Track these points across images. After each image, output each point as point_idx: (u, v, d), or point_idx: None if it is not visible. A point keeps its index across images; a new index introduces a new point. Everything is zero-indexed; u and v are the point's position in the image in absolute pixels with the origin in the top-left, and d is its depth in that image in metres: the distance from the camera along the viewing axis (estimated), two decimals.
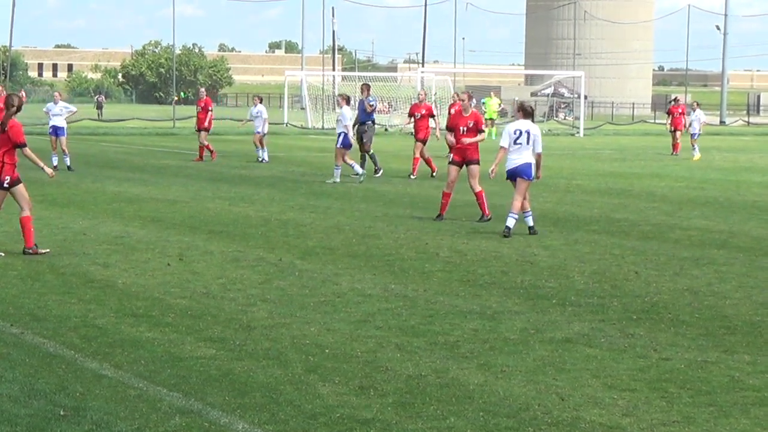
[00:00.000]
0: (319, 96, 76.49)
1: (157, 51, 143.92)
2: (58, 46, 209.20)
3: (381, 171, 28.21)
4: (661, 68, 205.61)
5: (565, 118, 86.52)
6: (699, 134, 39.70)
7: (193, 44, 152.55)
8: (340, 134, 25.89)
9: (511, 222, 16.57)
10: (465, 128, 18.77)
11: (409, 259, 14.29)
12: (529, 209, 17.07)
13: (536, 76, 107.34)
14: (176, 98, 33.12)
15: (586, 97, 74.31)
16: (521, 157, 16.75)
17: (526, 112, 17.07)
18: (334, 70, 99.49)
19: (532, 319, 10.64)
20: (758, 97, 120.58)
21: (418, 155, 28.05)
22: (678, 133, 41.61)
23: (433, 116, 28.92)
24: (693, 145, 38.99)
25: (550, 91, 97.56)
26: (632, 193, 24.75)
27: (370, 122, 28.35)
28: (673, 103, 43.80)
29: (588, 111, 71.81)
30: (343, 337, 9.75)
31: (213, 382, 8.22)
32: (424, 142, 28.08)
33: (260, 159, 33.92)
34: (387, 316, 10.63)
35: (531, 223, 17.03)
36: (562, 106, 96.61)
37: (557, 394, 8.01)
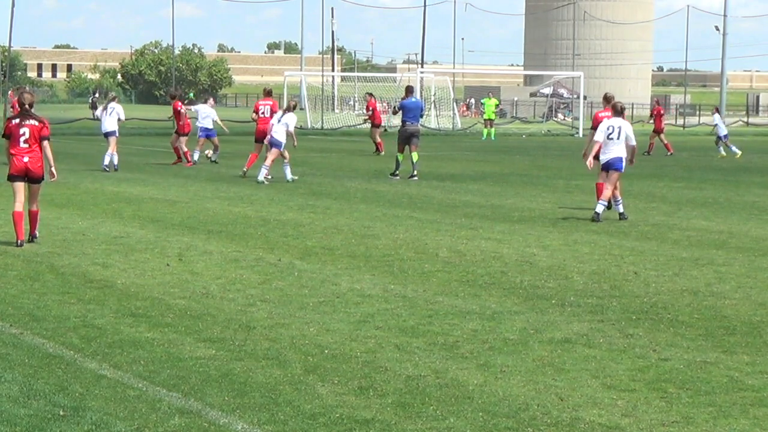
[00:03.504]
0: (319, 96, 76.56)
1: (156, 51, 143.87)
2: (57, 47, 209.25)
3: (416, 177, 27.66)
4: (660, 69, 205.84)
5: (564, 119, 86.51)
6: None
7: (193, 44, 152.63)
8: (200, 128, 32.06)
9: (600, 208, 18.71)
10: None
11: (409, 260, 14.28)
12: (620, 197, 19.30)
13: (535, 77, 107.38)
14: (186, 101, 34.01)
15: (585, 98, 74.30)
16: (613, 150, 18.89)
17: (616, 110, 19.23)
18: (333, 70, 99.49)
19: (531, 319, 10.64)
20: (757, 97, 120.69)
21: (180, 147, 31.60)
22: (654, 135, 42.29)
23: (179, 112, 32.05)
24: None
25: (549, 91, 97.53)
26: (631, 193, 24.73)
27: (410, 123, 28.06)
28: (656, 105, 44.90)
29: (587, 111, 71.71)
30: (343, 337, 9.75)
31: (212, 382, 8.22)
32: (186, 135, 31.70)
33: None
34: (386, 317, 10.63)
35: (621, 210, 19.17)
36: (561, 106, 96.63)
37: (556, 394, 8.01)
